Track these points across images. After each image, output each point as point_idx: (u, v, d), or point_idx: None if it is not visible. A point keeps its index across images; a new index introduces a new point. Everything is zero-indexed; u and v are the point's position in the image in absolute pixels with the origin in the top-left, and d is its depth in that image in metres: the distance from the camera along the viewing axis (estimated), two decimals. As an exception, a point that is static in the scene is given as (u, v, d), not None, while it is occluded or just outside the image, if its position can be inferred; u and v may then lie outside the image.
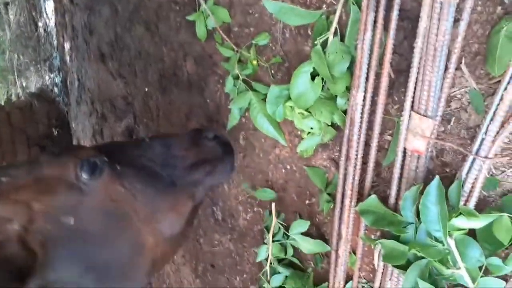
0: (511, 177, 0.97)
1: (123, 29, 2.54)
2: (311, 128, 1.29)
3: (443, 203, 0.94)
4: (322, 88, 1.24)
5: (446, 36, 0.92)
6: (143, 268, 1.21)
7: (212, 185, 1.47)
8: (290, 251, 1.52)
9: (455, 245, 0.95)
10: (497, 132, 0.88)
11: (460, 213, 0.93)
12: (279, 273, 1.52)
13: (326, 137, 1.32)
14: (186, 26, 1.85)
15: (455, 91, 1.03)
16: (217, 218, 2.10)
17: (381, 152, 1.22)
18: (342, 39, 1.18)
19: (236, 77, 1.55)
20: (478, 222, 0.91)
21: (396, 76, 1.14)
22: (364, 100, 1.13)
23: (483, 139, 0.91)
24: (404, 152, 1.09)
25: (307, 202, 1.52)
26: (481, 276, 0.94)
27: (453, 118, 1.05)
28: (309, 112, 1.28)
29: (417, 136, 1.02)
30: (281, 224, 1.52)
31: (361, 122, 1.16)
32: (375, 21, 1.04)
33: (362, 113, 1.15)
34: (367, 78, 1.11)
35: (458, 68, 1.00)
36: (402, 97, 1.10)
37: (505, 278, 0.95)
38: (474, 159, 0.93)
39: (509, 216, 0.89)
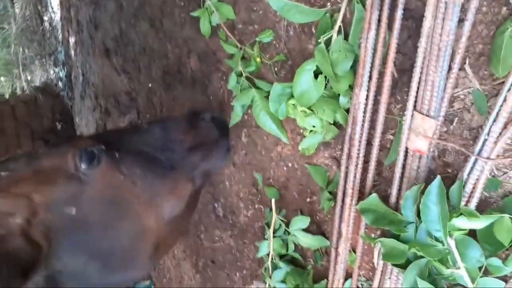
0: (513, 178, 0.96)
1: (128, 25, 2.54)
2: (313, 126, 1.29)
3: (444, 203, 0.94)
4: (325, 87, 1.23)
5: (450, 36, 0.92)
6: (146, 253, 1.22)
7: (211, 169, 1.46)
8: (292, 247, 1.53)
9: (455, 245, 0.95)
10: (500, 133, 0.88)
11: (461, 214, 0.93)
12: (280, 268, 1.53)
13: (328, 135, 1.32)
14: (191, 22, 1.85)
15: (458, 92, 1.03)
16: (218, 214, 2.11)
17: (383, 152, 1.22)
18: (346, 37, 1.18)
19: (240, 74, 1.55)
20: (479, 223, 0.91)
21: (399, 75, 1.14)
22: (366, 99, 1.13)
23: (485, 140, 0.91)
24: (406, 151, 1.09)
25: (308, 200, 1.52)
26: (481, 277, 0.94)
27: (456, 118, 1.04)
28: (312, 110, 1.28)
29: (419, 136, 1.02)
30: (282, 221, 1.53)
31: (363, 121, 1.16)
32: (379, 20, 1.04)
33: (364, 112, 1.15)
34: (370, 77, 1.11)
35: (461, 68, 1.00)
36: (405, 97, 1.10)
37: (504, 279, 0.94)
38: (476, 160, 0.93)
39: (510, 217, 0.88)
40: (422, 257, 1.00)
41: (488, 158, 0.90)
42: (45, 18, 5.01)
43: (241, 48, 1.55)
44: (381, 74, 1.10)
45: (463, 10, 0.93)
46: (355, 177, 1.21)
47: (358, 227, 1.26)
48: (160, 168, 1.25)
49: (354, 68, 1.16)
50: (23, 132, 4.58)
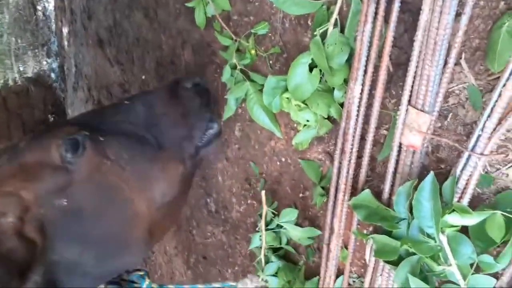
0: (506, 174, 0.96)
1: (121, 15, 2.51)
2: (307, 121, 1.28)
3: (436, 199, 0.93)
4: (320, 80, 1.22)
5: (447, 30, 0.90)
6: (140, 239, 1.19)
7: (201, 149, 1.41)
8: (284, 240, 1.52)
9: (447, 241, 0.94)
10: (494, 129, 0.87)
11: (454, 210, 0.92)
12: (272, 262, 1.51)
13: (322, 130, 1.30)
14: (186, 13, 1.83)
15: (453, 87, 1.02)
16: (210, 209, 2.09)
17: (376, 147, 1.21)
18: (342, 30, 1.16)
19: (234, 67, 1.53)
20: (471, 219, 0.90)
21: (395, 69, 1.12)
22: (361, 93, 1.12)
23: (479, 136, 0.90)
24: (400, 147, 1.07)
25: (300, 195, 1.51)
26: (472, 274, 0.93)
27: (451, 114, 1.03)
28: (306, 104, 1.26)
29: (413, 131, 1.01)
30: (274, 214, 1.51)
31: (357, 116, 1.14)
32: (376, 13, 1.02)
33: (359, 107, 1.13)
34: (365, 71, 1.09)
35: (457, 63, 0.99)
36: (400, 92, 1.09)
37: (496, 276, 0.94)
38: (469, 156, 0.92)
39: (502, 214, 0.88)
40: (414, 254, 0.99)
41: (481, 154, 0.90)
42: (39, 7, 4.95)
43: (236, 40, 1.53)
44: (377, 68, 1.09)
45: (461, 4, 0.92)
46: (348, 172, 1.20)
47: (351, 223, 1.25)
48: (147, 149, 1.21)
49: (349, 61, 1.15)
50: (14, 123, 4.52)
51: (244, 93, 1.49)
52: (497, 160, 0.96)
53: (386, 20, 1.03)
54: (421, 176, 1.03)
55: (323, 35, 1.17)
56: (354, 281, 1.34)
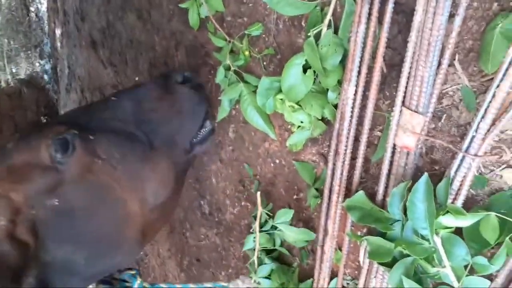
0: (500, 176, 0.96)
1: (115, 16, 2.49)
2: (301, 122, 1.27)
3: (430, 200, 0.93)
4: (314, 82, 1.22)
5: (440, 31, 0.90)
6: (132, 238, 1.18)
7: (194, 145, 1.39)
8: (278, 242, 1.50)
9: (442, 243, 0.94)
10: (488, 130, 0.87)
11: (448, 211, 0.92)
12: (265, 264, 1.50)
13: (316, 131, 1.30)
14: (179, 14, 1.82)
15: (447, 88, 1.01)
16: (204, 211, 2.08)
17: (370, 148, 1.20)
18: (336, 31, 1.16)
19: (228, 68, 1.53)
20: (466, 221, 0.90)
21: (389, 71, 1.12)
22: (355, 94, 1.11)
23: (473, 137, 0.89)
24: (394, 148, 1.07)
25: (294, 197, 1.50)
26: (466, 275, 0.93)
27: (444, 115, 1.03)
28: (300, 105, 1.26)
29: (407, 132, 1.01)
30: (268, 215, 1.50)
31: (351, 117, 1.14)
32: (369, 14, 1.02)
33: (353, 108, 1.13)
34: (359, 72, 1.09)
35: (451, 64, 0.99)
36: (394, 93, 1.09)
37: (490, 277, 0.94)
38: (463, 157, 0.92)
39: (496, 215, 0.88)
40: (408, 255, 0.99)
41: (475, 155, 0.89)
42: (32, 8, 4.91)
43: (229, 41, 1.52)
44: (370, 69, 1.08)
45: (454, 5, 0.92)
46: (342, 173, 1.19)
47: (345, 225, 1.25)
48: (138, 147, 1.19)
49: (343, 63, 1.14)
50: (7, 125, 4.47)
51: (238, 95, 1.48)
52: (491, 161, 0.96)
53: (380, 21, 1.03)
54: (415, 178, 1.03)
55: (317, 36, 1.17)
56: (348, 283, 1.33)
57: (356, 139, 1.18)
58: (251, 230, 1.55)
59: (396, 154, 1.06)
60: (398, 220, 1.03)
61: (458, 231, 0.95)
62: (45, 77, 4.94)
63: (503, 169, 0.95)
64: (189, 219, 2.22)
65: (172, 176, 1.27)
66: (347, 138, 1.16)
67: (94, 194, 1.11)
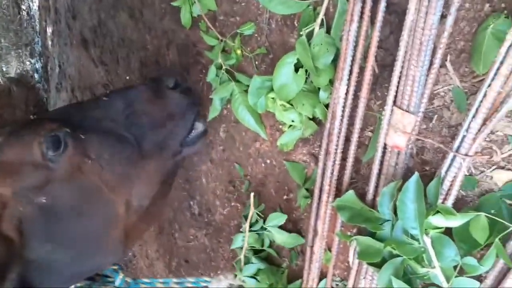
0: (490, 177, 0.96)
1: (107, 15, 2.47)
2: (292, 121, 1.26)
3: (421, 200, 0.92)
4: (306, 81, 1.21)
5: (432, 31, 0.90)
6: (116, 240, 1.18)
7: (183, 150, 1.38)
8: (267, 242, 1.49)
9: (431, 243, 0.93)
10: (479, 130, 0.87)
11: (438, 211, 0.91)
12: (252, 263, 1.49)
13: (307, 131, 1.29)
14: (171, 12, 1.80)
15: (438, 89, 1.01)
16: (193, 212, 2.06)
17: (361, 149, 1.20)
18: (328, 31, 1.15)
19: (219, 67, 1.51)
20: (456, 221, 0.89)
21: (380, 71, 1.12)
22: (346, 93, 1.11)
23: (464, 136, 0.89)
24: (384, 148, 1.07)
25: (285, 197, 1.49)
26: (456, 276, 0.92)
27: (436, 116, 1.03)
28: (291, 104, 1.25)
29: (398, 132, 1.00)
30: (259, 216, 1.49)
31: (342, 116, 1.13)
32: (362, 12, 1.02)
33: (344, 107, 1.12)
34: (350, 72, 1.08)
35: (443, 65, 0.99)
36: (385, 93, 1.08)
37: (479, 278, 0.93)
38: (454, 157, 0.92)
39: (486, 216, 0.87)
40: (397, 255, 0.98)
41: (466, 154, 0.89)
42: (23, 7, 4.86)
43: (222, 40, 1.51)
44: (362, 70, 1.08)
45: (446, 6, 0.92)
46: (332, 173, 1.18)
47: (334, 225, 1.24)
48: (128, 149, 1.19)
49: (335, 62, 1.14)
50: (-5, 123, 4.41)
51: (229, 94, 1.47)
52: (482, 162, 0.96)
53: (372, 20, 1.02)
54: (405, 178, 1.02)
55: (309, 36, 1.16)
56: (337, 284, 1.32)
57: (347, 139, 1.17)
58: (240, 229, 1.54)
59: (386, 154, 1.06)
60: (388, 220, 1.02)
61: (448, 232, 0.94)
62: (35, 75, 4.89)
63: (493, 170, 0.95)
64: (178, 219, 2.20)
65: (159, 179, 1.27)
66: (338, 137, 1.15)
67: (82, 194, 1.11)
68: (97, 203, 1.13)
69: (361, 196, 1.13)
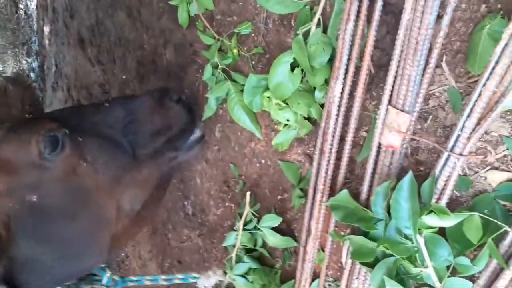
0: (484, 177, 0.96)
1: (104, 14, 2.47)
2: (288, 120, 1.26)
3: (415, 199, 0.92)
4: (301, 80, 1.21)
5: (428, 30, 0.91)
6: (104, 243, 1.18)
7: (179, 159, 1.40)
8: (260, 242, 1.48)
9: (425, 243, 0.93)
10: (473, 129, 0.87)
11: (431, 211, 0.91)
12: (244, 262, 1.48)
13: (302, 131, 1.29)
14: (169, 12, 1.80)
15: (434, 89, 1.02)
16: (187, 212, 2.05)
17: (356, 149, 1.20)
18: (325, 31, 1.16)
19: (216, 66, 1.51)
20: (449, 221, 0.89)
21: (376, 71, 1.12)
22: (342, 93, 1.11)
23: (458, 136, 0.89)
24: (379, 147, 1.07)
25: (279, 197, 1.48)
26: (449, 276, 0.92)
27: (431, 116, 1.03)
28: (287, 103, 1.25)
29: (393, 131, 1.00)
30: (254, 215, 1.48)
31: (337, 115, 1.13)
32: (358, 11, 1.02)
33: (339, 106, 1.12)
34: (346, 71, 1.08)
35: (438, 65, 0.99)
36: (381, 93, 1.08)
37: (472, 278, 0.93)
38: (448, 156, 0.92)
39: (480, 216, 0.87)
40: (390, 255, 0.98)
41: (460, 154, 0.89)
42: (21, 6, 4.85)
43: (218, 40, 1.51)
44: (358, 70, 1.08)
45: (443, 6, 0.92)
46: (326, 172, 1.18)
47: (328, 225, 1.23)
48: (122, 155, 1.20)
49: (331, 62, 1.14)
50: (-10, 122, 4.38)
51: (225, 93, 1.47)
52: (476, 163, 0.96)
53: (369, 20, 1.03)
54: (399, 178, 1.02)
55: (306, 35, 1.17)
56: (330, 285, 1.31)
57: (342, 139, 1.17)
58: (234, 228, 1.53)
59: (381, 154, 1.06)
60: (381, 220, 1.02)
61: (441, 232, 0.94)
62: (32, 75, 4.87)
63: (487, 170, 0.95)
64: (172, 220, 2.19)
65: (153, 184, 1.28)
66: (333, 136, 1.15)
67: (74, 195, 1.11)
68: (88, 205, 1.13)
69: (355, 195, 1.12)
